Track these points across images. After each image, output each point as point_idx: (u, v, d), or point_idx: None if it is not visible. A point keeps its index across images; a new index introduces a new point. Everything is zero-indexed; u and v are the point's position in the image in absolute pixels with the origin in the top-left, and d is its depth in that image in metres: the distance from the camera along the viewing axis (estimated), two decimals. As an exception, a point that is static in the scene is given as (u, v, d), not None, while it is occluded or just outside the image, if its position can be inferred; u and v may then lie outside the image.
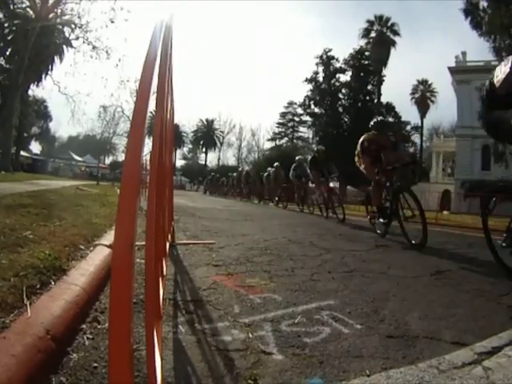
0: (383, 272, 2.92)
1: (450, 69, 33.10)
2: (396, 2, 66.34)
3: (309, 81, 38.21)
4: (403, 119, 38.60)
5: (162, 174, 1.74)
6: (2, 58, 27.10)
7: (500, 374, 1.31)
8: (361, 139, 5.71)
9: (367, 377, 1.30)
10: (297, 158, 11.99)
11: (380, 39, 36.08)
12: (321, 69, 37.72)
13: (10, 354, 1.09)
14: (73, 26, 21.98)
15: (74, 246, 2.52)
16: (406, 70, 65.26)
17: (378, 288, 2.44)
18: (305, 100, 39.56)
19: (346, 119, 36.67)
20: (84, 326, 1.57)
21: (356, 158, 5.81)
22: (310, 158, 9.81)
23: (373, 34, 37.03)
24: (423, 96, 42.11)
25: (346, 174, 14.19)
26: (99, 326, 1.59)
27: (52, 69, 27.22)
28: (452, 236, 5.99)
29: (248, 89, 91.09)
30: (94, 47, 21.23)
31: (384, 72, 36.92)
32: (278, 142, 52.46)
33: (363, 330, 1.73)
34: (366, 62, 37.15)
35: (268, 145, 54.19)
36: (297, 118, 51.63)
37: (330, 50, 37.59)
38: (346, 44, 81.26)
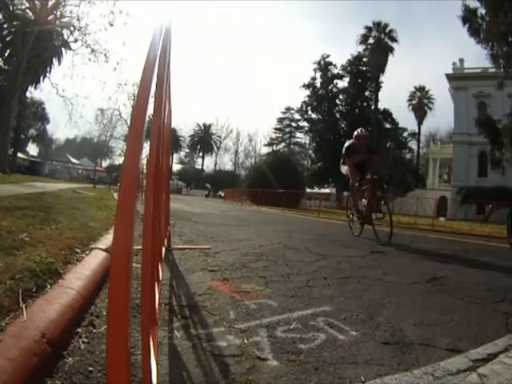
0: (379, 278, 2.93)
1: (447, 75, 33.37)
2: (395, 8, 66.98)
3: (306, 86, 38.27)
4: (400, 126, 38.69)
5: (158, 178, 1.74)
6: (0, 60, 27.07)
7: (495, 381, 1.31)
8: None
9: (362, 383, 1.30)
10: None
11: (378, 45, 36.16)
12: (318, 74, 37.84)
13: (6, 357, 1.09)
14: (72, 29, 21.93)
15: (70, 249, 2.51)
16: (403, 76, 65.95)
17: (374, 294, 2.45)
18: (302, 106, 39.68)
19: (343, 125, 36.73)
20: (79, 330, 1.56)
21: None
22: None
23: (371, 41, 37.07)
24: (420, 102, 42.46)
25: (343, 180, 14.26)
26: (95, 330, 1.58)
27: (50, 71, 27.15)
28: (448, 242, 6.00)
29: (246, 94, 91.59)
30: (92, 50, 21.18)
31: (381, 78, 37.01)
32: (275, 148, 52.64)
33: (358, 336, 1.73)
34: (364, 69, 37.27)
35: (265, 150, 54.43)
36: (294, 124, 51.96)
37: (327, 56, 37.76)
38: (344, 49, 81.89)
